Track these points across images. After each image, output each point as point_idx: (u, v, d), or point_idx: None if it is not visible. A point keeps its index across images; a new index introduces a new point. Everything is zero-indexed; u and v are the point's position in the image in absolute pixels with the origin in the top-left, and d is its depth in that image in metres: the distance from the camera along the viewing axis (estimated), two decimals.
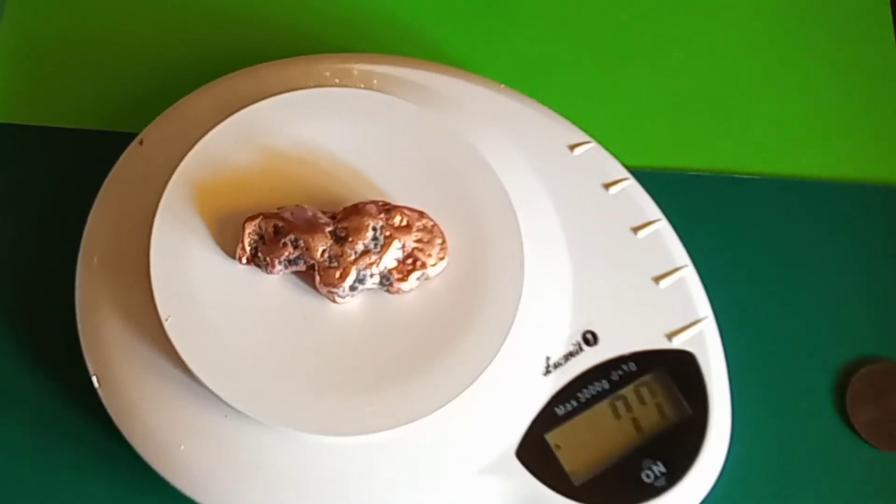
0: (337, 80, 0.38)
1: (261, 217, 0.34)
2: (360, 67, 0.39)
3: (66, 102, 0.41)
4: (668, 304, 0.37)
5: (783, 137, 0.43)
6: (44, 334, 0.38)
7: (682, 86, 0.44)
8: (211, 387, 0.33)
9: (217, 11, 0.43)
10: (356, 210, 0.34)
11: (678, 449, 0.36)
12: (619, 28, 0.44)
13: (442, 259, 0.34)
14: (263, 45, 0.42)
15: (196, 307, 0.33)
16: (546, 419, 0.35)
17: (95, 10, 0.43)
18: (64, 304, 0.37)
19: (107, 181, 0.37)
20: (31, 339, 0.38)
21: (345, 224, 0.34)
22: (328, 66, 0.39)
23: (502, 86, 0.40)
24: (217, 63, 0.42)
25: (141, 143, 0.37)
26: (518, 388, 0.35)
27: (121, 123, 0.41)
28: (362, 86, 0.38)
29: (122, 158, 0.37)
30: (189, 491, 0.34)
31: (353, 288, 0.33)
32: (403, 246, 0.34)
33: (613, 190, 0.38)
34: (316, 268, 0.34)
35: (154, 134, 0.37)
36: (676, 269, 0.38)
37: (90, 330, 0.35)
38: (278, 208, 0.34)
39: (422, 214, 0.34)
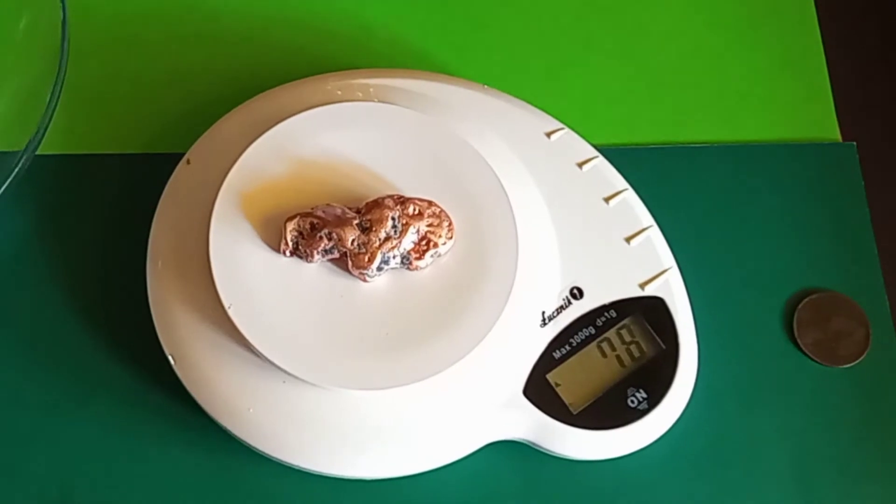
0: (339, 93, 0.42)
1: (298, 216, 0.38)
2: (361, 82, 0.43)
3: (117, 132, 0.45)
4: (638, 259, 0.41)
5: (724, 111, 0.47)
6: (122, 328, 0.42)
7: (636, 74, 0.47)
8: (271, 358, 0.37)
9: (234, 41, 0.47)
10: (377, 204, 0.38)
11: (656, 378, 0.40)
12: (579, 27, 0.48)
13: (450, 238, 0.38)
14: (277, 66, 0.46)
15: (252, 294, 0.38)
16: (546, 362, 0.40)
17: (135, 53, 0.46)
18: (137, 302, 0.41)
19: (163, 197, 0.41)
20: (112, 332, 0.42)
21: (368, 217, 0.38)
22: (335, 83, 0.43)
23: (485, 86, 0.43)
24: (239, 86, 0.46)
25: (188, 162, 0.41)
26: (521, 339, 0.40)
27: (163, 146, 0.45)
28: (360, 95, 0.42)
29: (173, 176, 0.41)
30: (259, 446, 0.38)
31: (379, 269, 0.38)
32: (418, 230, 0.38)
33: (586, 168, 0.42)
34: (348, 254, 0.38)
35: (199, 153, 0.41)
36: (643, 230, 0.42)
37: (163, 320, 0.39)
38: (312, 208, 0.38)
39: (430, 203, 0.38)
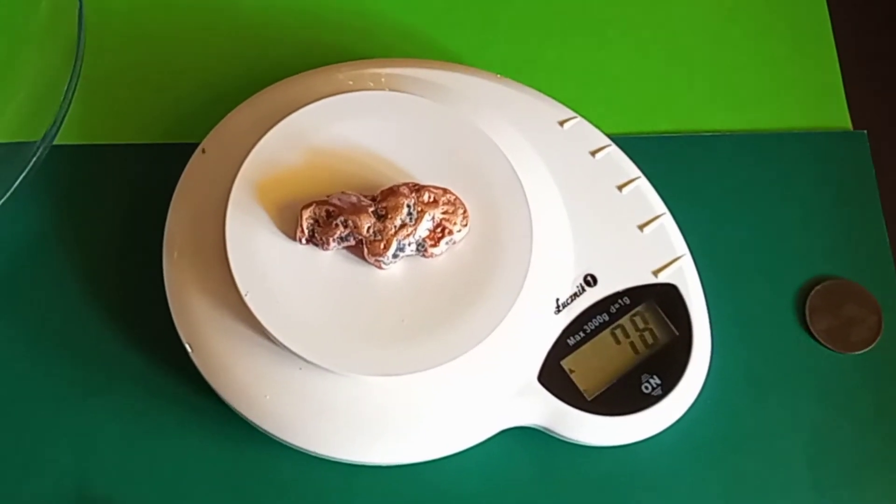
0: (351, 83, 0.42)
1: (314, 204, 0.38)
2: (373, 72, 0.43)
3: (132, 122, 0.46)
4: (651, 246, 0.41)
5: (735, 100, 0.47)
6: (139, 317, 0.42)
7: (649, 63, 0.48)
8: (288, 345, 0.37)
9: (248, 32, 0.47)
10: (392, 192, 0.38)
11: (669, 364, 0.40)
12: (592, 16, 0.48)
13: (465, 226, 0.39)
14: (290, 57, 0.47)
15: (269, 282, 0.38)
16: (560, 349, 0.40)
17: (149, 44, 0.47)
18: (154, 292, 0.42)
19: (179, 186, 0.41)
20: (129, 322, 0.42)
21: (384, 204, 0.38)
22: (347, 73, 0.43)
23: (498, 75, 0.44)
24: (253, 76, 0.46)
25: (203, 151, 0.42)
26: (535, 326, 0.40)
27: (178, 136, 0.45)
28: (372, 85, 0.42)
29: (188, 166, 0.42)
30: (276, 432, 0.39)
31: (395, 256, 0.38)
32: (433, 218, 0.38)
33: (599, 156, 0.42)
34: (363, 242, 0.38)
35: (214, 143, 0.42)
36: (656, 217, 0.42)
37: (180, 308, 0.40)
38: (327, 196, 0.39)
39: (445, 191, 0.39)
